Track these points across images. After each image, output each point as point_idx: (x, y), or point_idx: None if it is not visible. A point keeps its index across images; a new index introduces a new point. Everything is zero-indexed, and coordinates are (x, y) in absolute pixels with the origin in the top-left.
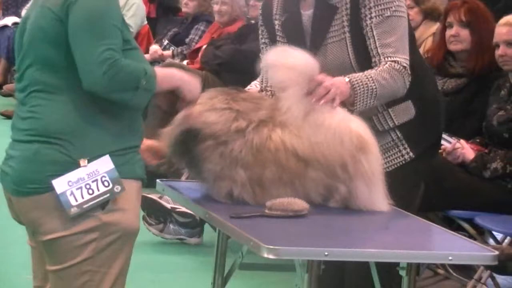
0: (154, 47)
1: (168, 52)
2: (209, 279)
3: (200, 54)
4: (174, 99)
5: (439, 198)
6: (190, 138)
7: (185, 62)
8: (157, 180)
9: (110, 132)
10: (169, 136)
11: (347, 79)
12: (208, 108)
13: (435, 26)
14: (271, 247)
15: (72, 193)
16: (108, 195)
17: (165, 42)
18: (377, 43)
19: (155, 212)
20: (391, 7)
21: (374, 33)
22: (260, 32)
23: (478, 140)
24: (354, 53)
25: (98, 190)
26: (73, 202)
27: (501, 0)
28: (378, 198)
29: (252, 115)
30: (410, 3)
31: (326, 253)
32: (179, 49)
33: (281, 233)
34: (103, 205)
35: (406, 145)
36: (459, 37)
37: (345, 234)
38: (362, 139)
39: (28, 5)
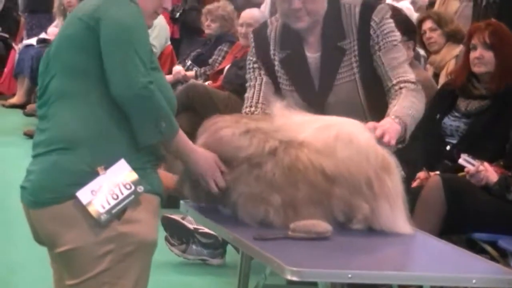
0: (177, 68)
1: (191, 73)
2: None
3: (223, 75)
4: (197, 120)
5: (462, 220)
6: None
7: (207, 83)
8: (181, 201)
9: (129, 150)
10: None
11: (393, 117)
12: (239, 131)
13: (458, 49)
14: (295, 269)
15: (98, 201)
16: (133, 196)
17: (188, 62)
18: (386, 68)
19: (177, 233)
20: (397, 39)
21: (383, 60)
22: (251, 64)
23: (501, 163)
24: (364, 93)
25: (122, 194)
26: (101, 210)
27: None
28: (400, 219)
29: (278, 135)
30: (433, 26)
31: (349, 275)
32: (202, 70)
33: (304, 255)
34: (119, 216)
35: None
36: (483, 59)
37: (368, 256)
38: (386, 160)
39: (54, 23)
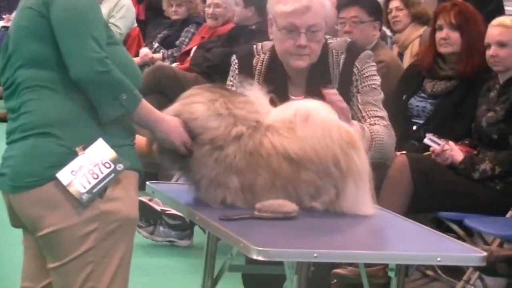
0: (144, 50)
1: (158, 55)
2: (199, 281)
3: (190, 57)
4: (165, 102)
5: (428, 199)
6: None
7: (175, 65)
8: (147, 183)
9: (105, 132)
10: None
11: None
12: (210, 113)
13: (422, 29)
14: (261, 249)
15: (78, 181)
16: (113, 175)
17: (156, 44)
18: (360, 107)
19: (145, 215)
20: (376, 83)
21: (359, 99)
22: (230, 87)
23: (467, 142)
24: None
25: (102, 173)
26: (82, 190)
27: (491, 3)
28: (365, 201)
29: (250, 121)
30: (400, 5)
31: (315, 255)
32: (169, 52)
33: (270, 235)
34: (101, 194)
35: None
36: (449, 39)
37: (334, 236)
38: (350, 135)
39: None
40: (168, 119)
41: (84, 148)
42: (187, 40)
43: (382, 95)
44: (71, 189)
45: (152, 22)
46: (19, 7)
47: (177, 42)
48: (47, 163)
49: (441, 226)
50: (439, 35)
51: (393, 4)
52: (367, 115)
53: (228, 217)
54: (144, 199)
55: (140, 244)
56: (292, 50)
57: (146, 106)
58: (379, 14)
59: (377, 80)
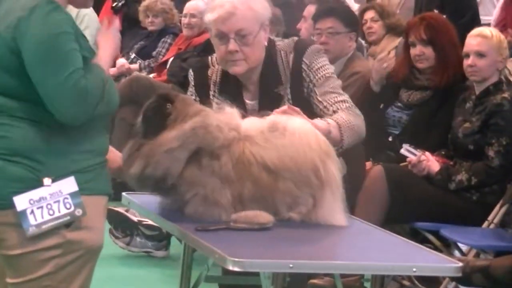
0: (121, 61)
1: (135, 66)
2: None
3: (167, 68)
4: (140, 112)
5: (405, 210)
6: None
7: (152, 75)
8: (123, 194)
9: (76, 150)
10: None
11: (330, 121)
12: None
13: (397, 40)
14: (236, 259)
15: (32, 211)
16: (68, 217)
17: (132, 55)
18: (319, 98)
19: (121, 225)
20: (329, 71)
21: (317, 91)
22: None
23: (443, 153)
24: None
25: (59, 212)
26: (32, 222)
27: (466, 14)
28: (340, 210)
29: (232, 129)
30: (375, 16)
31: (291, 265)
32: (146, 62)
33: (246, 245)
34: (68, 224)
35: None
36: (424, 55)
37: (310, 246)
38: (327, 145)
39: None
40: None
41: (54, 181)
42: (164, 50)
43: (339, 82)
44: (22, 217)
45: (128, 33)
46: None
47: (154, 53)
48: (12, 188)
49: (417, 236)
50: (413, 51)
51: (368, 15)
52: (328, 103)
53: (204, 228)
54: (121, 209)
55: (116, 255)
56: (225, 57)
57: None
58: (355, 25)
59: (330, 68)
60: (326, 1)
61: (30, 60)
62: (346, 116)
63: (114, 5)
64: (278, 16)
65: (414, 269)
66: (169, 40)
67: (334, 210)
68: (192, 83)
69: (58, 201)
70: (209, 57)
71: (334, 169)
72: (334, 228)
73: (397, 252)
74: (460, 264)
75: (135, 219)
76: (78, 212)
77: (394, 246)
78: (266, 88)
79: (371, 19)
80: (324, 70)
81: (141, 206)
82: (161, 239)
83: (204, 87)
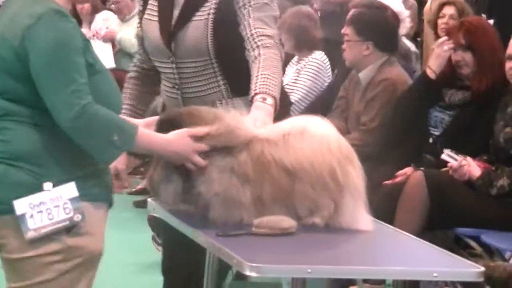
0: None
1: None
2: None
3: None
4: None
5: (445, 216)
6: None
7: None
8: (148, 200)
9: (78, 156)
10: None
11: (260, 98)
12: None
13: None
14: (254, 265)
15: (32, 216)
16: (67, 222)
17: None
18: (250, 22)
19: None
20: None
21: (251, 13)
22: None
23: (485, 158)
24: (212, 37)
25: (58, 217)
26: (31, 226)
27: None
28: (363, 214)
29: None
30: (454, 14)
31: (309, 270)
32: None
33: (266, 251)
34: (68, 229)
35: None
36: (464, 60)
37: (330, 251)
38: (349, 150)
39: None
40: (173, 138)
41: (54, 186)
42: None
43: (276, 13)
44: (21, 221)
45: None
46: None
47: None
48: (14, 193)
49: (460, 242)
50: (454, 57)
51: (448, 11)
52: (256, 33)
53: (225, 234)
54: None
55: (159, 262)
56: None
57: (143, 135)
58: (370, 34)
59: None
60: (369, 6)
61: (37, 68)
62: (270, 68)
63: None
64: None
65: (435, 274)
66: None
67: (356, 214)
68: None
69: (58, 206)
70: None
71: (355, 173)
72: (357, 233)
73: (418, 257)
74: (482, 268)
75: None
76: (77, 217)
77: (416, 250)
78: None
79: (451, 16)
80: None
81: (164, 211)
82: None
83: None
